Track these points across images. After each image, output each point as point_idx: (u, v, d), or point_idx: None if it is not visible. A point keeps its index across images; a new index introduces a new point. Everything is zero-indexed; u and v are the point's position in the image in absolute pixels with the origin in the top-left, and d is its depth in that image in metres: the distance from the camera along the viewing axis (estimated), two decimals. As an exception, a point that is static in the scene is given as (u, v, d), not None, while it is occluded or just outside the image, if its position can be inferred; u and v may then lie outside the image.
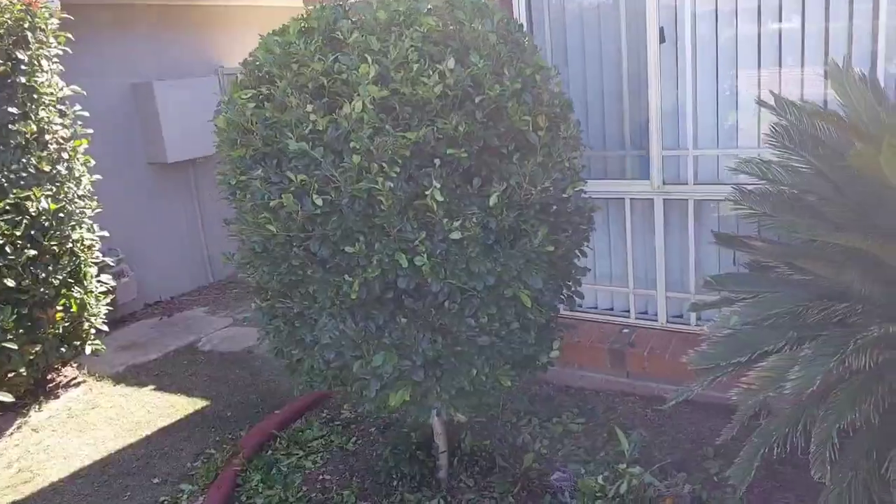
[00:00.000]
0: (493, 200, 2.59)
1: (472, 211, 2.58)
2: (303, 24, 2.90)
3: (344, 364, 2.86)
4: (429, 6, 2.80)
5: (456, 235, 2.56)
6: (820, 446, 2.25)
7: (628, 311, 4.30)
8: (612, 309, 4.40)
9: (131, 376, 5.59)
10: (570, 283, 3.07)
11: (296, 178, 2.56)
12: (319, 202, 2.55)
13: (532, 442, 3.76)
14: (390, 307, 2.72)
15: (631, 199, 4.06)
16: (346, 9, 2.88)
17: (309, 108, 2.61)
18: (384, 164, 2.49)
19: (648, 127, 3.85)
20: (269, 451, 4.16)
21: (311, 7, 2.97)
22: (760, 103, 2.93)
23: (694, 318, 4.04)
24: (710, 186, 3.80)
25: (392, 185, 2.48)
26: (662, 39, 3.74)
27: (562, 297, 3.04)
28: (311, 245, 2.62)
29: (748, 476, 2.53)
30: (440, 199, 2.51)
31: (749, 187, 3.02)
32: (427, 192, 2.51)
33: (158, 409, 5.01)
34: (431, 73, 2.58)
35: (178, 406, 5.01)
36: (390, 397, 2.82)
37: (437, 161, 2.54)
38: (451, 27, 2.73)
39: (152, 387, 5.39)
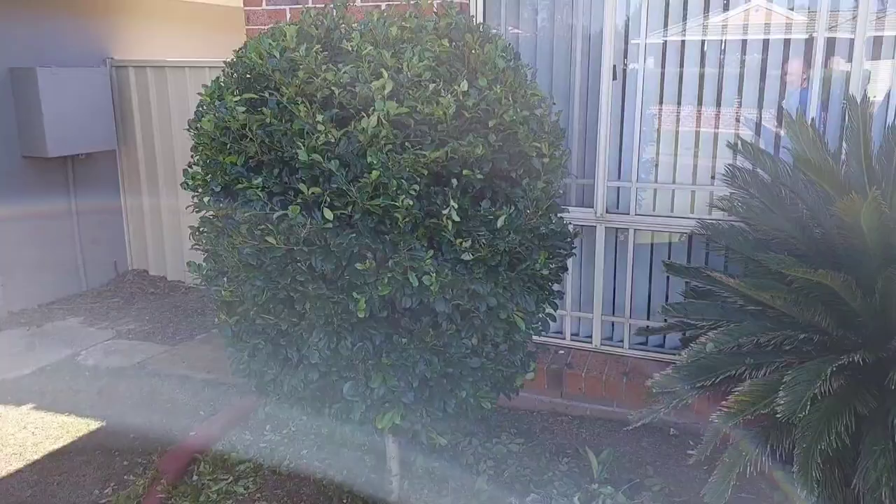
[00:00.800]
0: (500, 223, 2.63)
1: (481, 232, 2.60)
2: (295, 29, 2.81)
3: (326, 384, 2.78)
4: (434, 25, 2.81)
5: (467, 257, 2.57)
6: (804, 466, 2.47)
7: (562, 333, 4.47)
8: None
9: (5, 393, 5.04)
10: (545, 306, 3.16)
11: (307, 191, 2.46)
12: (330, 216, 2.47)
13: (476, 463, 3.80)
14: (385, 327, 2.68)
15: (574, 224, 4.25)
16: (339, 18, 2.83)
17: (319, 118, 2.53)
18: (404, 181, 2.46)
19: (597, 158, 4.05)
20: (195, 476, 3.90)
21: (299, 8, 2.88)
22: (732, 147, 3.20)
23: (627, 342, 4.27)
24: (649, 217, 4.06)
25: (411, 202, 2.45)
26: (615, 77, 3.96)
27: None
28: (314, 260, 2.53)
29: (725, 494, 2.72)
30: (456, 219, 2.52)
31: (709, 221, 3.28)
32: (444, 212, 2.51)
33: (45, 430, 4.55)
34: (444, 93, 2.59)
35: (68, 427, 4.58)
36: (377, 419, 2.77)
37: (454, 181, 2.55)
38: (459, 49, 2.76)
39: (32, 405, 4.89)
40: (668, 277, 4.06)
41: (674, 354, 3.88)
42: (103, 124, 6.67)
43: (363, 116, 2.52)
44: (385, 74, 2.56)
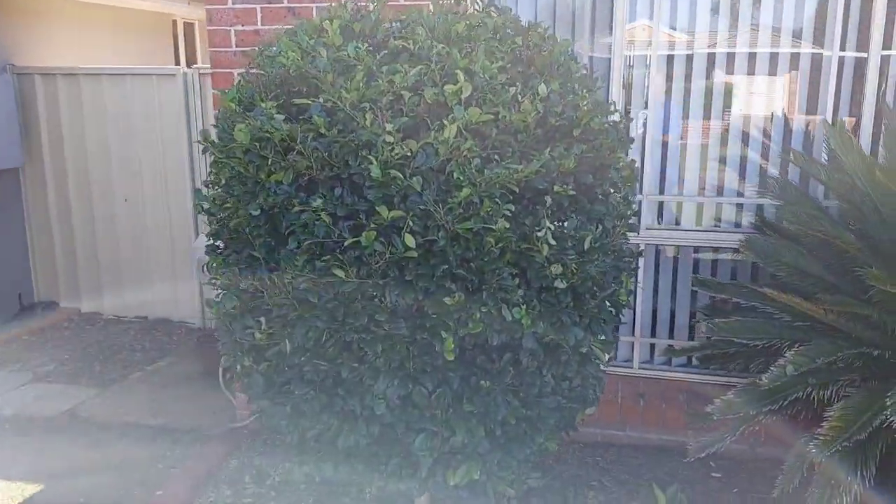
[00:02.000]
0: (587, 244, 2.35)
1: (571, 256, 2.31)
2: (336, 23, 2.43)
3: (389, 438, 2.40)
4: (493, 24, 2.51)
5: (561, 284, 2.27)
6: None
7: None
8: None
9: None
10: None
11: (386, 214, 2.09)
12: (412, 243, 2.11)
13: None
14: (461, 368, 2.33)
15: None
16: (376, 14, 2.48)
17: (388, 127, 2.16)
18: (497, 201, 2.13)
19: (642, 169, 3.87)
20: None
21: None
22: (789, 159, 3.07)
23: (637, 362, 4.08)
24: (692, 232, 3.91)
25: (507, 225, 2.13)
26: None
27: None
28: (388, 295, 2.15)
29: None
30: (552, 242, 2.22)
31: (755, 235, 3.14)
32: (539, 234, 2.20)
33: (-36, 501, 3.85)
34: (522, 97, 2.29)
35: (-4, 495, 3.90)
36: (450, 475, 2.41)
37: (547, 199, 2.24)
38: (520, 50, 2.47)
39: (-62, 466, 4.14)
40: (693, 294, 3.90)
41: (717, 375, 3.74)
42: (6, 138, 5.87)
43: (442, 125, 2.17)
44: (461, 76, 2.23)
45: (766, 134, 3.74)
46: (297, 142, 2.20)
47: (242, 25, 3.93)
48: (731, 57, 3.78)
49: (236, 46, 3.97)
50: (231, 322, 2.48)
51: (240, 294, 2.45)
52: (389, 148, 2.12)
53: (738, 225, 3.85)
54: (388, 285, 2.15)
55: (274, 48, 2.46)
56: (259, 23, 3.92)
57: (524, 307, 2.22)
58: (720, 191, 3.91)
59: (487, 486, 2.58)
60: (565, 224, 2.36)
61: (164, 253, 6.17)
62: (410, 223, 2.10)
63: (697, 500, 3.49)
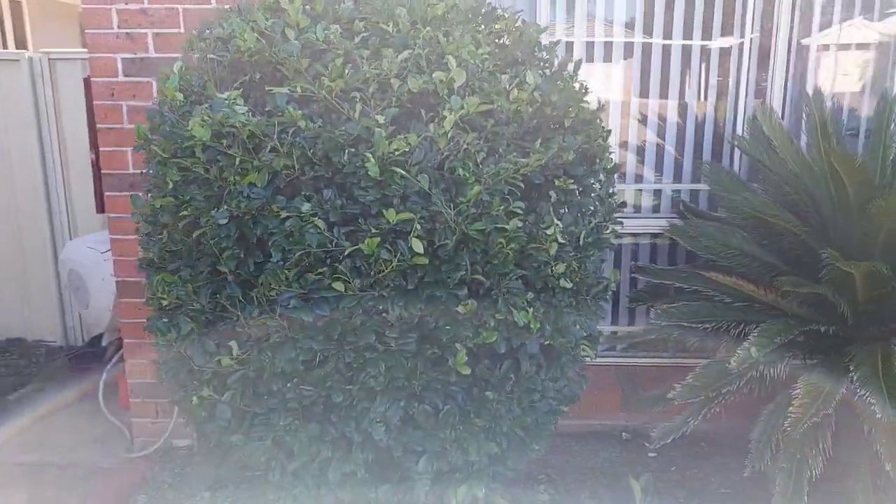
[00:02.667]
0: (582, 239, 2.24)
1: (571, 253, 2.19)
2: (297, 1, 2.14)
3: (385, 462, 2.18)
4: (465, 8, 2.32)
5: (567, 284, 2.14)
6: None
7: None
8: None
9: None
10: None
11: (393, 217, 1.85)
12: (420, 248, 1.89)
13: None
14: (464, 381, 2.15)
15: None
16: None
17: (380, 119, 1.93)
18: (507, 197, 1.96)
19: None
20: None
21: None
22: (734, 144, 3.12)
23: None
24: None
25: (519, 224, 1.97)
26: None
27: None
28: (390, 307, 1.92)
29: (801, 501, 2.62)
30: (561, 241, 2.08)
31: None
32: (549, 233, 2.05)
33: None
34: (510, 85, 2.13)
35: None
36: (451, 496, 2.22)
37: (552, 194, 2.10)
38: (508, 35, 2.30)
39: None
40: (633, 280, 3.92)
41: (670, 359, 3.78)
42: None
43: (440, 116, 1.97)
44: (452, 63, 2.03)
45: (685, 120, 3.83)
46: (273, 137, 1.91)
47: (126, 4, 3.45)
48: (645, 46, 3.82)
49: (119, 28, 3.48)
50: (187, 348, 2.14)
51: (196, 315, 2.11)
52: (388, 143, 1.88)
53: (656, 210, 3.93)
54: (392, 297, 1.92)
55: (221, 29, 2.13)
56: (146, 1, 3.46)
57: (531, 310, 2.07)
58: (652, 178, 3.96)
59: (480, 500, 2.42)
60: (563, 218, 2.24)
61: (13, 264, 5.41)
62: (418, 226, 1.88)
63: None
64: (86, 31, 3.49)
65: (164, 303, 2.14)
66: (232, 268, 1.99)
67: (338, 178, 1.95)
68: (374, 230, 1.87)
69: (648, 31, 3.74)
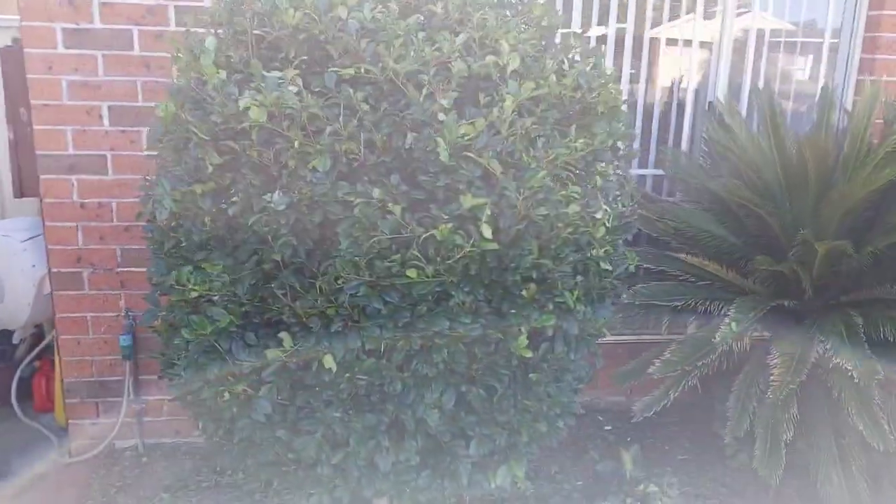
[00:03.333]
0: (611, 223, 2.32)
1: (607, 237, 2.26)
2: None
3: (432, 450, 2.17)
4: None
5: (608, 266, 2.22)
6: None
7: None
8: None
9: None
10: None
11: (467, 203, 1.84)
12: (489, 233, 1.90)
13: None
14: (509, 365, 2.18)
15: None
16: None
17: (444, 102, 1.91)
18: (566, 182, 2.00)
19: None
20: None
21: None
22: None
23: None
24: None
25: (577, 209, 2.02)
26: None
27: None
28: (459, 296, 1.92)
29: (780, 463, 2.86)
30: (609, 224, 2.15)
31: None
32: (597, 216, 2.12)
33: None
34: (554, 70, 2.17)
35: None
36: (490, 478, 2.25)
37: (597, 178, 2.16)
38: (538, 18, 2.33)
39: None
40: None
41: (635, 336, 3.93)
42: None
43: (499, 99, 1.97)
44: (506, 46, 2.03)
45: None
46: (339, 120, 1.84)
47: (67, -32, 3.17)
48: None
49: (60, -7, 3.19)
50: (220, 340, 2.02)
51: (234, 307, 2.01)
52: (456, 127, 1.87)
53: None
54: (461, 283, 1.91)
55: (260, 4, 2.01)
56: (92, -35, 3.19)
57: (576, 292, 2.13)
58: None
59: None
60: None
61: None
62: (488, 211, 1.88)
63: (599, 452, 3.68)
64: (19, -5, 3.17)
65: (194, 294, 2.02)
66: (286, 256, 1.90)
67: (400, 164, 1.91)
68: (445, 216, 1.86)
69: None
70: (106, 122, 3.34)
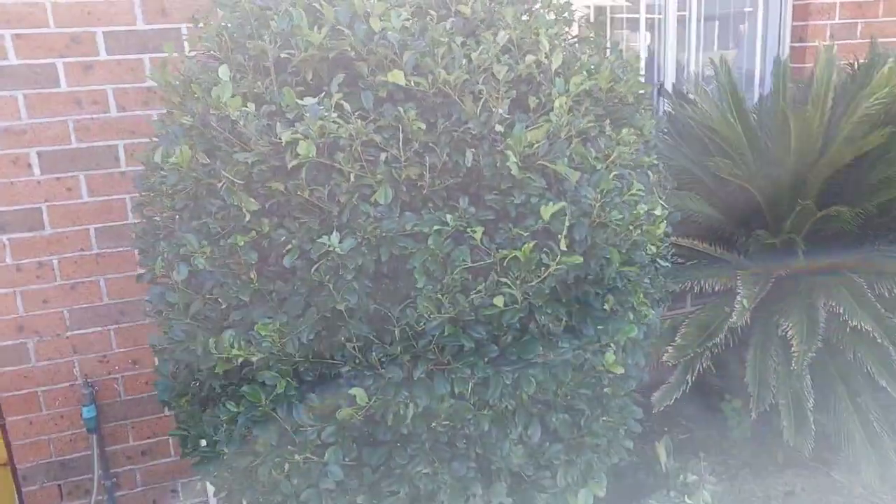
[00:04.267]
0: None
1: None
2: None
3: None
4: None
5: (665, 263, 2.12)
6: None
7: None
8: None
9: None
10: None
11: (546, 215, 1.69)
12: (564, 246, 1.75)
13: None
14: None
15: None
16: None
17: (501, 111, 1.75)
18: (631, 181, 1.89)
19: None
20: None
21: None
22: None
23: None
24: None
25: (645, 207, 1.90)
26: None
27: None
28: (543, 315, 1.77)
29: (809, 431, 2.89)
30: (666, 220, 2.05)
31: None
32: (657, 213, 2.01)
33: None
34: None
35: None
36: (570, 501, 2.12)
37: (650, 174, 2.05)
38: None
39: None
40: None
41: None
42: None
43: (548, 99, 1.83)
44: (545, 44, 1.89)
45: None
46: (398, 145, 1.64)
47: (-28, -1, 2.75)
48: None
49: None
50: (276, 408, 1.78)
51: (284, 369, 1.77)
52: (523, 136, 1.71)
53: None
54: (545, 304, 1.76)
55: (275, 23, 1.76)
56: (0, -5, 2.78)
57: (644, 297, 2.03)
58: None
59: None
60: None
61: None
62: (568, 222, 1.73)
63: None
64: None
65: (238, 361, 1.76)
66: (352, 303, 1.68)
67: (463, 184, 1.73)
68: (523, 234, 1.70)
69: None
70: (36, 170, 2.94)
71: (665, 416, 3.85)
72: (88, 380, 3.17)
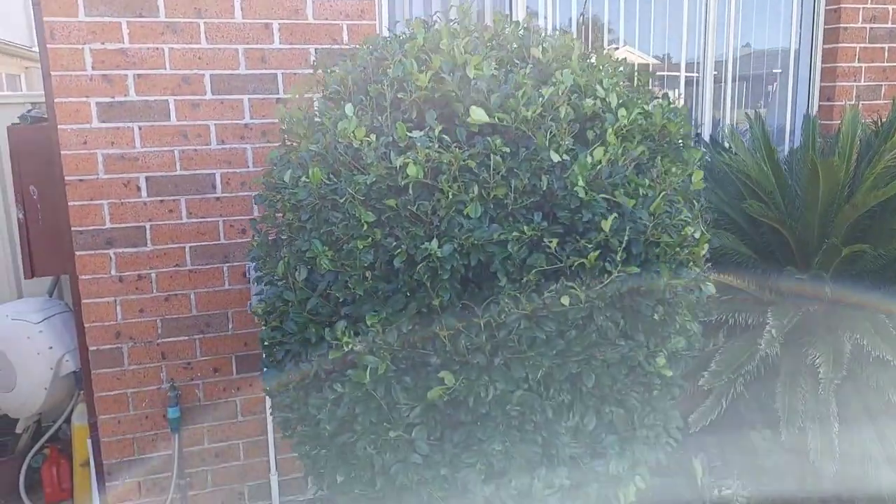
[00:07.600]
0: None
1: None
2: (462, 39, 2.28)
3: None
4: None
5: (710, 284, 2.48)
6: None
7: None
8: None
9: None
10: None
11: (607, 227, 2.06)
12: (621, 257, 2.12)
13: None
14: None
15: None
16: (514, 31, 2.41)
17: (567, 143, 2.14)
18: (681, 208, 2.26)
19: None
20: None
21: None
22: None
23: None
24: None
25: (691, 229, 2.27)
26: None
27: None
28: (602, 318, 2.13)
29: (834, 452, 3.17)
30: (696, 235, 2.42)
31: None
32: (697, 236, 2.38)
33: None
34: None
35: None
36: (620, 491, 2.44)
37: (694, 203, 2.43)
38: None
39: None
40: None
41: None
42: None
43: (603, 131, 2.22)
44: (601, 91, 2.29)
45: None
46: (490, 170, 2.04)
47: (102, 44, 3.23)
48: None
49: (93, 69, 3.24)
50: (376, 388, 2.15)
51: (383, 354, 2.14)
52: (588, 164, 2.10)
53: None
54: (605, 307, 2.12)
55: (392, 70, 2.19)
56: (126, 40, 3.25)
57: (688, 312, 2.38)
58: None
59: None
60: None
61: None
62: (627, 237, 2.10)
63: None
64: (51, 73, 3.21)
65: (347, 347, 2.14)
66: (446, 300, 2.06)
67: (537, 203, 2.11)
68: (588, 245, 2.07)
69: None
70: (144, 193, 3.38)
71: (699, 437, 4.14)
72: (174, 383, 3.55)
